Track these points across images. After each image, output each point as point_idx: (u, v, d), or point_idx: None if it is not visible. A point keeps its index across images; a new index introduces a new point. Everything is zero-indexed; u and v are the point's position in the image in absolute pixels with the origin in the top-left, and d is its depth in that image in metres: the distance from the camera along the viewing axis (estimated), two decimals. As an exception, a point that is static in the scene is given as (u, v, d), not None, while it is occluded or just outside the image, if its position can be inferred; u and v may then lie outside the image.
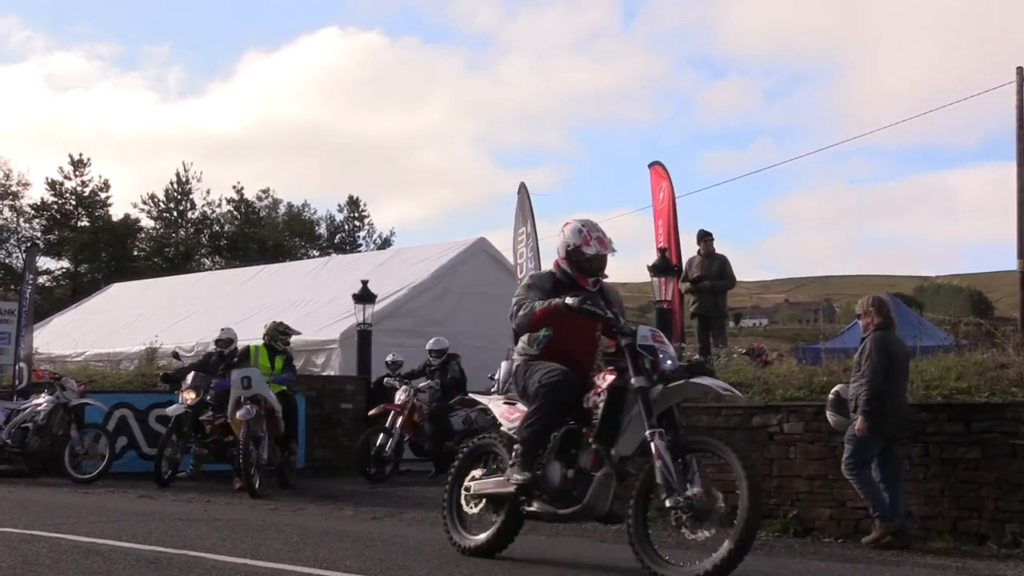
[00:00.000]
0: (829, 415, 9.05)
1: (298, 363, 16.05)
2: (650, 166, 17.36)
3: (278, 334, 14.05)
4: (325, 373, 18.20)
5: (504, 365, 15.78)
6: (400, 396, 14.92)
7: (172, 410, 14.11)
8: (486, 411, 15.97)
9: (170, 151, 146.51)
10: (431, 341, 16.07)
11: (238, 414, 12.77)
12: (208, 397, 13.91)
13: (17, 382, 16.40)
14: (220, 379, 13.70)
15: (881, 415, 8.55)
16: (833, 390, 9.11)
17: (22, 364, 16.59)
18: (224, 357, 14.52)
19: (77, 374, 17.43)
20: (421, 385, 15.15)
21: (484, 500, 7.23)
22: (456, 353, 18.03)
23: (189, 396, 13.93)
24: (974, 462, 8.53)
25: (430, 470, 15.76)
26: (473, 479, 7.29)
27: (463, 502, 7.34)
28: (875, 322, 8.96)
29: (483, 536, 7.22)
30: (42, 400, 14.80)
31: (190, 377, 14.16)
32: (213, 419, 13.82)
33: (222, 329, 15.33)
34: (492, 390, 16.04)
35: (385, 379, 15.91)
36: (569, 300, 6.56)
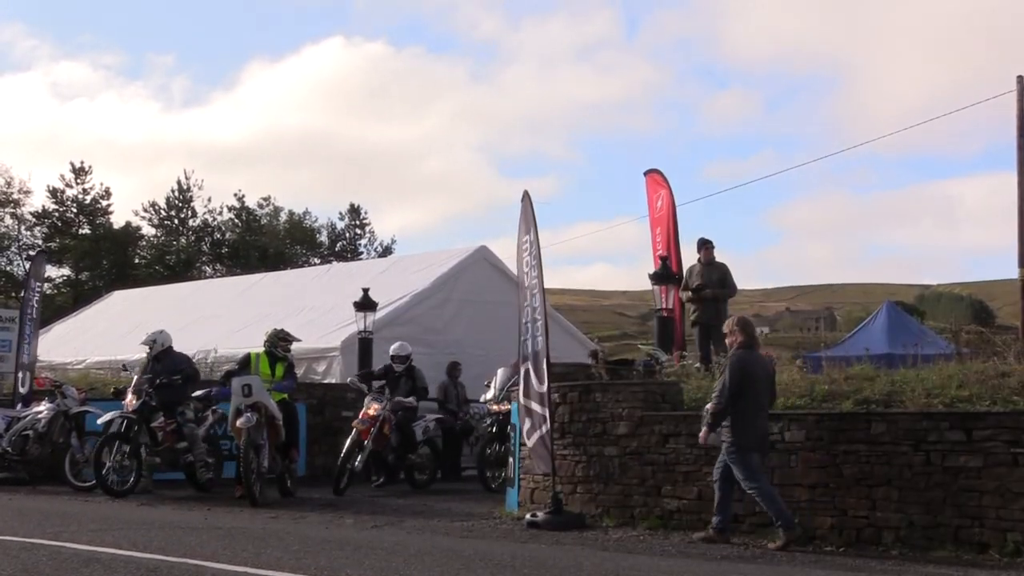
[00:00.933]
0: (702, 434, 9.53)
1: (299, 371, 16.04)
2: (646, 174, 17.31)
3: (278, 340, 14.01)
4: (326, 381, 18.18)
5: (501, 372, 15.74)
6: (373, 408, 14.36)
7: (108, 417, 13.68)
8: (441, 420, 15.98)
9: (173, 160, 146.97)
10: (395, 345, 15.45)
11: (238, 422, 12.75)
12: (154, 401, 13.46)
13: (20, 388, 16.39)
14: (221, 387, 13.67)
15: (745, 429, 9.15)
16: (705, 408, 9.55)
17: (26, 371, 16.58)
18: (155, 359, 13.92)
19: (78, 381, 17.42)
20: (398, 399, 14.63)
21: None
22: (458, 361, 18.03)
23: (131, 401, 13.46)
24: (975, 471, 8.52)
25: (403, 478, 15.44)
26: None
27: None
28: (738, 341, 9.47)
29: None
30: (43, 408, 14.79)
31: (133, 382, 13.77)
32: (165, 425, 13.49)
33: (147, 334, 14.48)
34: (487, 397, 16.02)
35: (350, 380, 15.44)
36: None
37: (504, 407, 14.75)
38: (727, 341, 9.72)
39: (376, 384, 15.12)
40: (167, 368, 13.76)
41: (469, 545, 8.79)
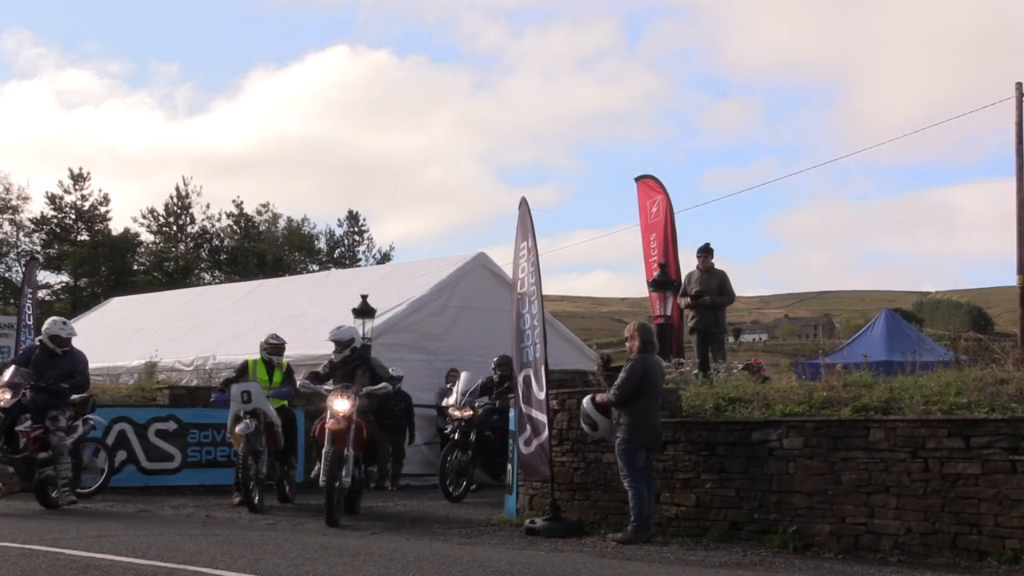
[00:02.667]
0: (586, 429, 10.26)
1: (298, 377, 16.02)
2: (637, 180, 17.24)
3: (266, 346, 13.96)
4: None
5: (464, 376, 15.19)
6: (345, 404, 11.42)
7: None
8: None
9: (176, 169, 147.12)
10: (333, 331, 12.69)
11: (237, 428, 12.73)
12: (26, 400, 11.58)
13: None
14: (221, 393, 13.65)
15: (639, 427, 9.77)
16: (585, 401, 10.20)
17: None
18: (54, 356, 11.96)
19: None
20: (368, 389, 11.89)
21: None
22: (456, 368, 17.94)
23: (3, 396, 11.47)
24: (974, 477, 8.53)
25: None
26: None
27: None
28: (636, 346, 10.11)
29: None
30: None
31: (8, 372, 11.73)
32: (30, 430, 11.56)
33: (53, 320, 12.54)
34: (448, 401, 15.17)
35: (300, 384, 12.64)
36: None
37: (466, 413, 14.47)
38: (627, 346, 10.31)
39: (326, 386, 12.11)
40: (62, 368, 11.89)
41: (467, 552, 8.78)
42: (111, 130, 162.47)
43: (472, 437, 14.46)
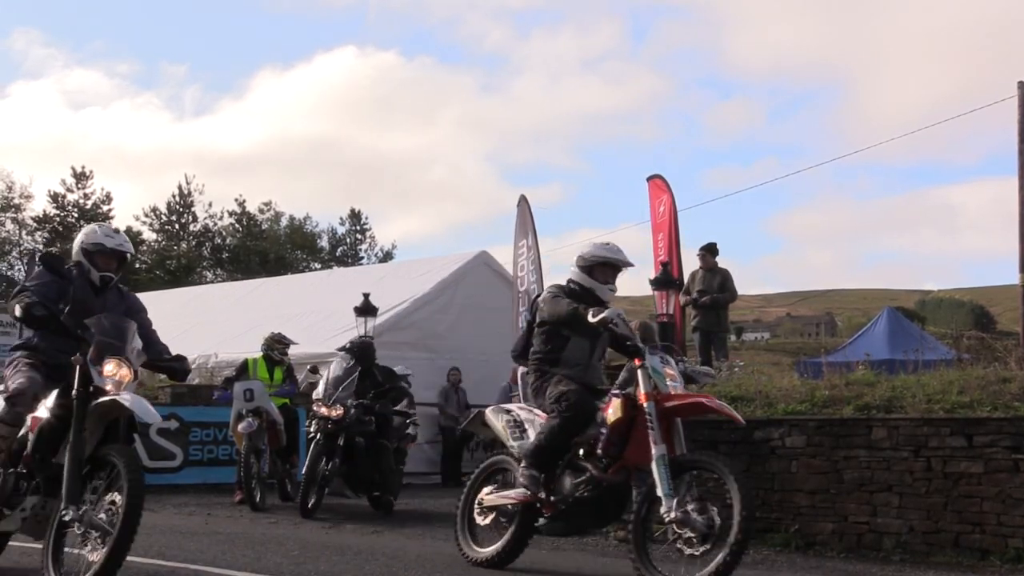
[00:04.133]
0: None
1: (299, 376, 16.02)
2: (648, 179, 17.31)
3: (275, 344, 13.97)
4: (326, 386, 18.17)
5: (335, 363, 12.73)
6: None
7: None
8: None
9: (180, 169, 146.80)
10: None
11: (240, 427, 12.74)
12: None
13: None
14: (223, 391, 13.65)
15: None
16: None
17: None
18: (97, 292, 8.04)
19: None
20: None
21: None
22: (458, 367, 17.89)
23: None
24: (976, 476, 8.52)
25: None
26: None
27: None
28: None
29: None
30: (43, 412, 14.78)
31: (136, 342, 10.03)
32: None
33: (97, 226, 9.62)
34: (317, 393, 12.27)
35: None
36: None
37: (336, 412, 11.57)
38: None
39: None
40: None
41: (469, 550, 8.77)
42: (118, 130, 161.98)
43: (340, 442, 11.65)
